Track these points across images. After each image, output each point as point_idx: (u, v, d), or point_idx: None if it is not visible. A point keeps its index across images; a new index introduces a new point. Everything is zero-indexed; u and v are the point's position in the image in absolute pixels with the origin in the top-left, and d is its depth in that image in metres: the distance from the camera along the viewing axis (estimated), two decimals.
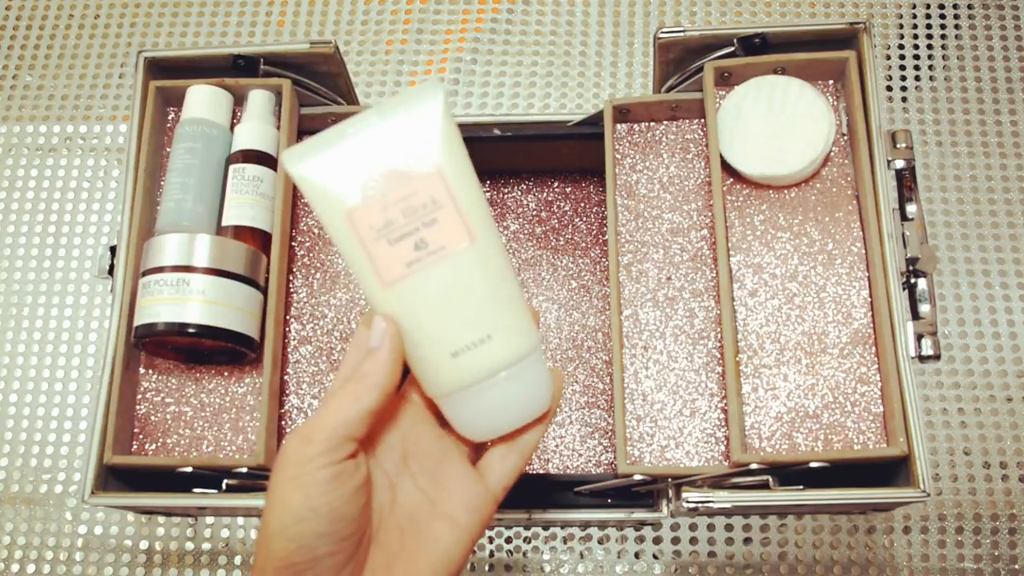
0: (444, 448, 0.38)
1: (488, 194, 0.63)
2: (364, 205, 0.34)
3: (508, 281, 0.36)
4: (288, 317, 0.54)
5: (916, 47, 0.72)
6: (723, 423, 0.49)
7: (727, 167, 0.52)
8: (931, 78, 0.71)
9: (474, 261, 0.35)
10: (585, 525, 0.61)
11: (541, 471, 0.56)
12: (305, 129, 0.57)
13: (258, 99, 0.54)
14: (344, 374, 0.37)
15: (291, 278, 0.55)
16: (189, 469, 0.48)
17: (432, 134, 0.34)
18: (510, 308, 0.36)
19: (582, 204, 0.62)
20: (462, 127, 0.58)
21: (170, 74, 0.56)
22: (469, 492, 0.38)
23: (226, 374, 0.52)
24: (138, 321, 0.49)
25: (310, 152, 0.34)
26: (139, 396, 0.52)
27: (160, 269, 0.49)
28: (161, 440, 0.51)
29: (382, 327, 0.35)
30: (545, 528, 0.62)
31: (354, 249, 0.35)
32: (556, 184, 0.63)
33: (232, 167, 0.53)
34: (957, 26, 0.73)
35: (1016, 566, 0.60)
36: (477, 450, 0.40)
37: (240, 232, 0.52)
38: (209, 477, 0.49)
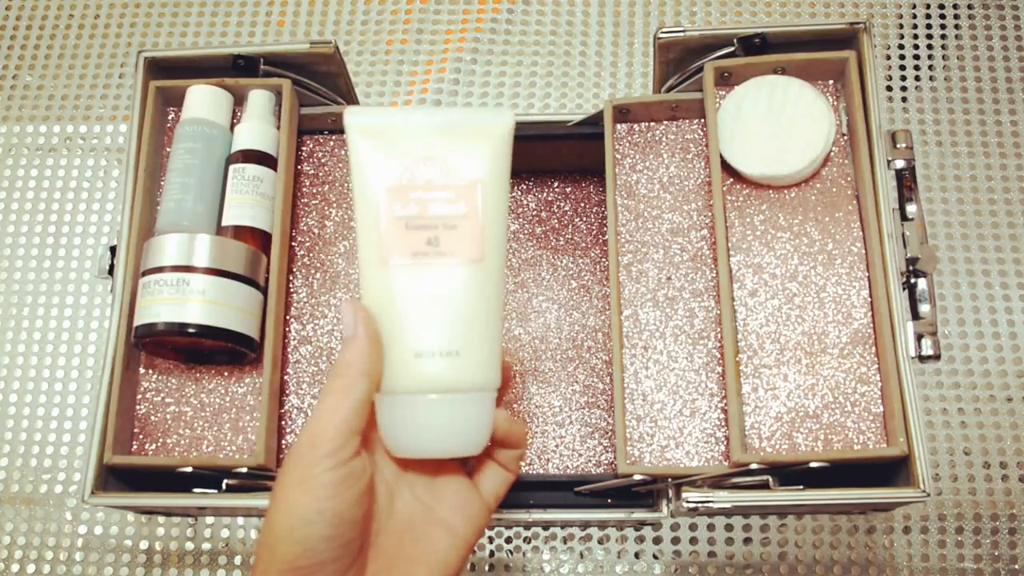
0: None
1: None
2: (402, 184, 0.35)
3: (496, 312, 0.36)
4: (288, 317, 0.54)
5: (916, 47, 0.72)
6: (723, 423, 0.49)
7: (727, 167, 0.52)
8: (931, 78, 0.71)
9: (475, 278, 0.35)
10: (585, 525, 0.61)
11: (541, 471, 0.56)
12: (305, 129, 0.57)
13: (258, 99, 0.54)
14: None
15: (291, 278, 0.55)
16: (189, 469, 0.48)
17: (489, 151, 0.36)
18: (487, 337, 0.36)
19: (582, 204, 0.62)
20: None
21: (170, 74, 0.56)
22: (465, 501, 0.38)
23: (226, 374, 0.52)
24: (138, 321, 0.49)
25: (373, 116, 0.36)
26: (139, 396, 0.52)
27: (160, 269, 0.49)
28: (161, 440, 0.51)
29: (353, 313, 0.35)
30: (545, 528, 0.62)
31: (373, 220, 0.35)
32: (556, 184, 0.63)
33: (232, 167, 0.53)
34: (957, 26, 0.73)
35: (1016, 566, 0.60)
36: (466, 462, 0.41)
37: (240, 232, 0.52)
38: (209, 477, 0.49)
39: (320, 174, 0.57)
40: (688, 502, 0.47)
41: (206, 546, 0.63)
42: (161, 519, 0.63)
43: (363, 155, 0.35)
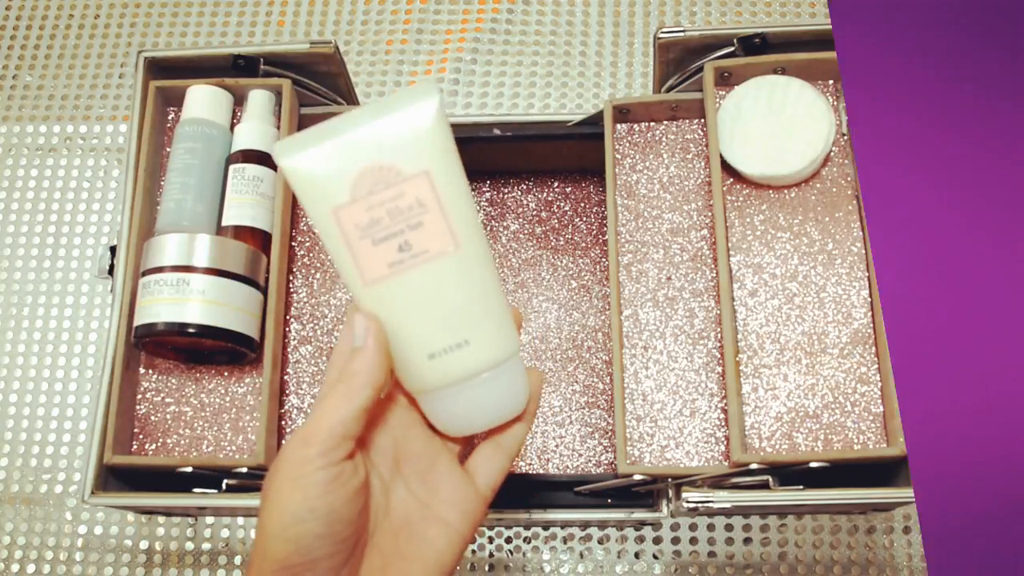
0: (434, 451, 0.39)
1: (488, 194, 0.63)
2: (351, 203, 0.34)
3: (490, 289, 0.36)
4: (288, 317, 0.54)
5: None
6: (723, 423, 0.49)
7: (727, 167, 0.52)
8: None
9: (456, 267, 0.35)
10: (585, 525, 0.61)
11: (541, 471, 0.56)
12: None
13: (258, 99, 0.54)
14: (333, 375, 0.37)
15: (291, 278, 0.55)
16: (189, 469, 0.48)
17: (423, 136, 0.34)
18: (490, 315, 0.36)
19: (582, 204, 0.62)
20: (462, 127, 0.58)
21: (170, 74, 0.56)
22: (460, 495, 0.38)
23: (226, 374, 0.52)
24: (138, 321, 0.49)
25: (301, 145, 0.34)
26: (139, 396, 0.52)
27: (160, 269, 0.49)
28: (161, 440, 0.51)
29: (364, 325, 0.35)
30: (545, 528, 0.62)
31: (338, 246, 0.35)
32: (556, 184, 0.63)
33: (232, 167, 0.53)
34: None
35: None
36: (464, 449, 0.41)
37: (240, 232, 0.52)
38: (209, 477, 0.49)
39: None
40: (688, 502, 0.47)
41: (206, 546, 0.63)
42: (161, 519, 0.63)
43: (304, 188, 0.34)
